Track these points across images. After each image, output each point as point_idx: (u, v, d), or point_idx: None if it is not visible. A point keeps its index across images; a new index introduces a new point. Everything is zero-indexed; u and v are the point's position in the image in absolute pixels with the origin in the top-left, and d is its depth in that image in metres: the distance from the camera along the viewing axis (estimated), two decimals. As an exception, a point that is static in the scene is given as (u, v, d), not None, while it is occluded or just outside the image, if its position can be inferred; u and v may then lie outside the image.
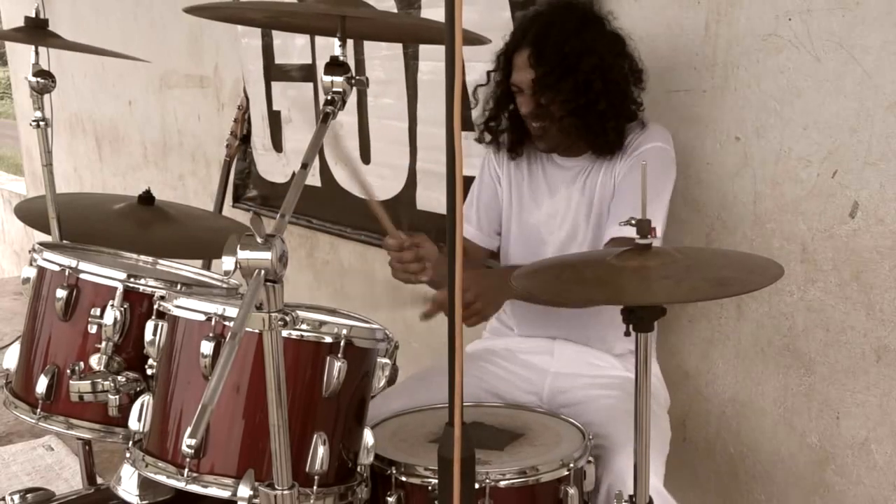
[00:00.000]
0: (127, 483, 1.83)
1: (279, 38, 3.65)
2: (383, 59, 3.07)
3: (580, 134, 2.04)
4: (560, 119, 2.01)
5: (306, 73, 3.53)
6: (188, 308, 1.65)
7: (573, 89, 1.96)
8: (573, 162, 2.13)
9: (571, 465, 1.70)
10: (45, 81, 2.29)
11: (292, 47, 3.58)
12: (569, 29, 1.98)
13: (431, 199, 3.02)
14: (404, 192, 3.14)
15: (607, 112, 1.99)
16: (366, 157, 3.32)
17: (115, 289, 1.83)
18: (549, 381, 2.14)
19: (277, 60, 3.69)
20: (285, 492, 1.38)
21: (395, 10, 2.99)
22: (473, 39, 1.73)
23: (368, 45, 3.12)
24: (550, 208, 2.15)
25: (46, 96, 2.33)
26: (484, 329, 2.36)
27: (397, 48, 2.99)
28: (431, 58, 2.89)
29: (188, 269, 2.17)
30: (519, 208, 2.22)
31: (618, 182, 2.04)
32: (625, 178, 2.02)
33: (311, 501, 1.59)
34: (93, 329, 1.83)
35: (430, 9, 2.83)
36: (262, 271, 1.26)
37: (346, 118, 3.30)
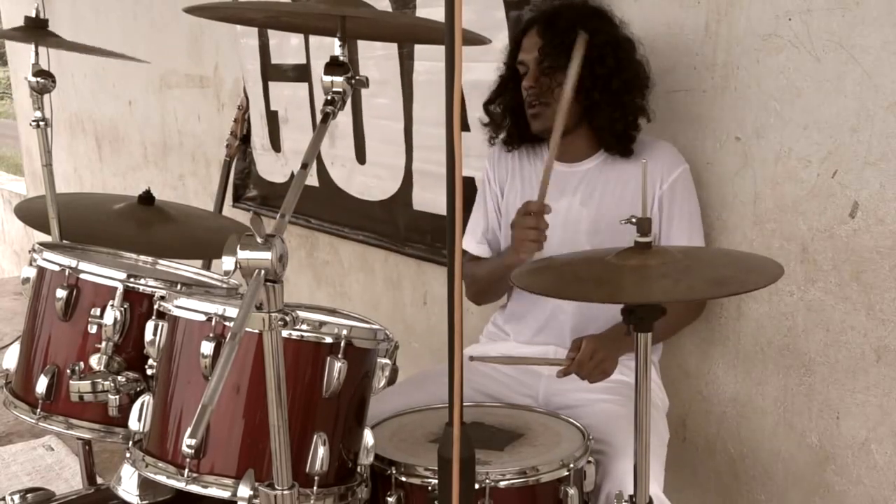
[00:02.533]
0: (127, 483, 1.83)
1: (275, 37, 3.65)
2: (378, 59, 3.07)
3: (580, 117, 2.03)
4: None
5: (301, 72, 3.53)
6: (188, 308, 1.65)
7: (592, 66, 1.96)
8: (572, 168, 2.11)
9: (571, 465, 1.70)
10: (44, 81, 2.29)
11: (287, 47, 3.58)
12: (580, 12, 2.03)
13: (427, 199, 3.02)
14: (400, 192, 3.14)
15: (612, 99, 2.00)
16: (361, 157, 3.32)
17: (115, 289, 1.83)
18: (543, 385, 2.13)
19: (274, 60, 3.69)
20: (285, 492, 1.38)
21: (391, 10, 2.98)
22: (473, 39, 1.73)
23: (363, 45, 3.12)
24: (550, 217, 2.08)
25: (46, 96, 2.33)
26: (481, 334, 2.35)
27: (392, 48, 2.99)
28: (427, 58, 2.89)
29: (188, 269, 2.17)
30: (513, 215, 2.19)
31: (662, 208, 2.05)
32: (671, 210, 2.05)
33: (311, 502, 1.59)
34: (93, 329, 1.83)
35: (425, 8, 2.83)
36: (262, 271, 1.26)
37: (342, 118, 3.29)
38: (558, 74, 1.96)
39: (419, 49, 2.92)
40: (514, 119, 2.16)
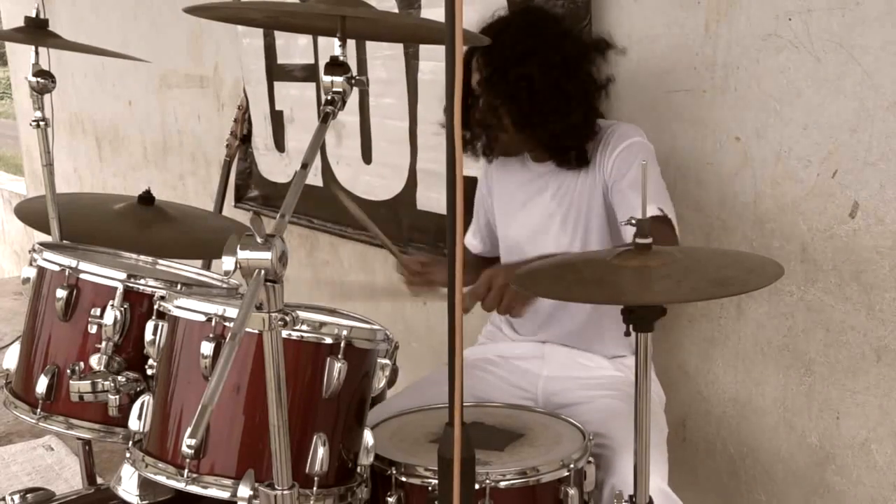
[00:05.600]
0: (127, 483, 1.83)
1: (281, 38, 3.65)
2: (385, 58, 3.07)
3: (529, 143, 2.03)
4: (504, 125, 1.98)
5: (309, 73, 3.53)
6: (188, 308, 1.65)
7: (513, 91, 1.92)
8: (541, 167, 2.11)
9: (572, 465, 1.70)
10: (45, 81, 2.29)
11: (295, 47, 3.58)
12: (519, 30, 1.96)
13: (432, 199, 3.02)
14: (405, 192, 3.14)
15: (554, 117, 1.95)
16: (367, 157, 3.32)
17: (115, 289, 1.83)
18: (541, 384, 2.13)
19: (280, 60, 3.69)
20: (285, 492, 1.38)
21: (396, 10, 2.99)
22: (474, 39, 1.73)
23: (370, 45, 3.13)
24: (525, 219, 2.14)
25: (46, 96, 2.33)
26: (480, 334, 2.35)
27: (398, 48, 3.00)
28: (432, 58, 2.89)
29: (188, 269, 2.17)
30: (501, 221, 2.24)
31: (609, 181, 1.98)
32: (618, 175, 1.96)
33: (311, 502, 1.58)
34: (93, 329, 1.83)
35: (430, 9, 2.84)
36: (262, 271, 1.26)
37: (349, 118, 3.30)
38: (499, 103, 1.95)
39: (424, 49, 2.93)
40: (481, 135, 2.09)
